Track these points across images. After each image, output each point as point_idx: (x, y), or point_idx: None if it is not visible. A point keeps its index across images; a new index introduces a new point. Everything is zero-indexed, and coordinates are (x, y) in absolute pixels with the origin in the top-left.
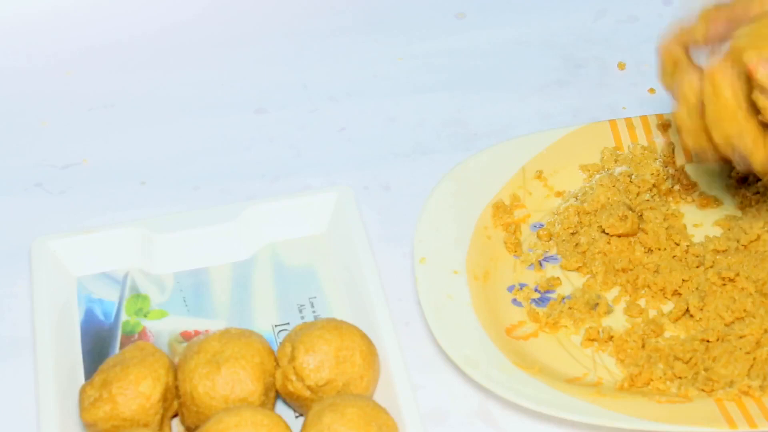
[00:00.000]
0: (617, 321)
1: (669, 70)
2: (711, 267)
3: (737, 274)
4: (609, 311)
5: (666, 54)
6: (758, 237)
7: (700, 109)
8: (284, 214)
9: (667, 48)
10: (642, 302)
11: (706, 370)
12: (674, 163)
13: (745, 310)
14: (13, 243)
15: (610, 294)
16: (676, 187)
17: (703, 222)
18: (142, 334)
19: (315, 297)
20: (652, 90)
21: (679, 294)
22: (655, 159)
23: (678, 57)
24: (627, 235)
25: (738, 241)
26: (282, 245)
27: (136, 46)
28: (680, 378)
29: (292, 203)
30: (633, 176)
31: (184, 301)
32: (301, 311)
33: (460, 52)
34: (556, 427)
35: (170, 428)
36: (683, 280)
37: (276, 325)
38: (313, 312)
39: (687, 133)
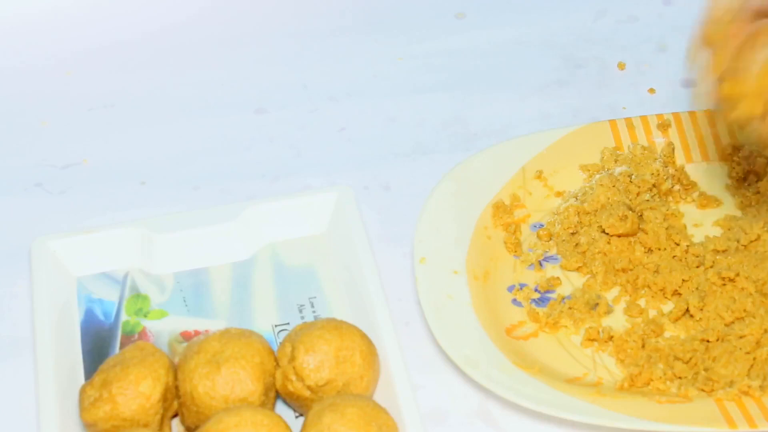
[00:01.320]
0: (617, 321)
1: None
2: (711, 267)
3: (737, 274)
4: (609, 311)
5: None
6: (758, 237)
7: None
8: (284, 214)
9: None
10: (642, 302)
11: (706, 370)
12: (674, 163)
13: (745, 310)
14: (13, 243)
15: (610, 294)
16: (676, 187)
17: (703, 222)
18: (142, 334)
19: (315, 297)
20: (652, 90)
21: (679, 294)
22: (655, 159)
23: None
24: (627, 235)
25: (738, 241)
26: (282, 245)
27: (136, 46)
28: (680, 378)
29: (292, 203)
30: (633, 176)
31: (184, 301)
32: (301, 311)
33: (460, 52)
34: (556, 427)
35: (170, 428)
36: (683, 280)
37: (276, 325)
38: (313, 312)
39: (725, 81)
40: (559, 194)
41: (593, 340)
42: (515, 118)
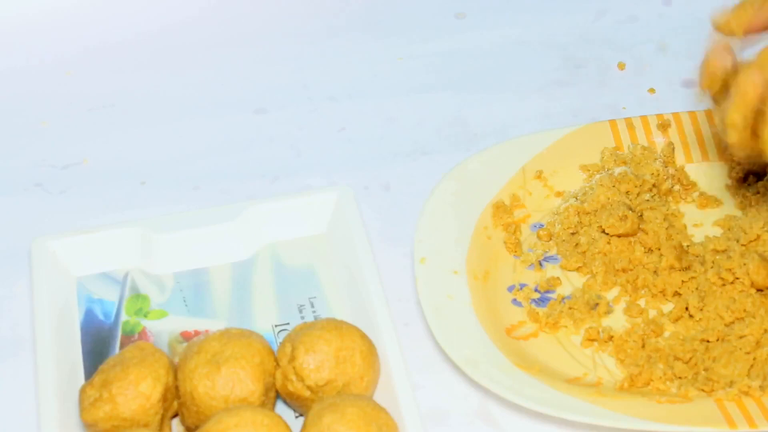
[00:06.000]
0: (617, 321)
1: (717, 73)
2: (711, 267)
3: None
4: (609, 311)
5: (715, 57)
6: (758, 237)
7: (755, 108)
8: (284, 214)
9: (716, 53)
10: (642, 302)
11: (706, 370)
12: (674, 163)
13: (745, 310)
14: (13, 243)
15: (610, 294)
16: (676, 187)
17: (703, 222)
18: (142, 334)
19: (315, 297)
20: (652, 90)
21: (679, 294)
22: (655, 159)
23: (726, 62)
24: (627, 235)
25: (738, 241)
26: (282, 245)
27: (136, 46)
28: (680, 378)
29: (292, 203)
30: (633, 176)
31: (184, 301)
32: (301, 311)
33: (460, 52)
34: (556, 427)
35: (170, 428)
36: (683, 281)
37: (276, 325)
38: (313, 312)
39: (736, 131)
40: (559, 194)
41: (593, 340)
42: (515, 118)
